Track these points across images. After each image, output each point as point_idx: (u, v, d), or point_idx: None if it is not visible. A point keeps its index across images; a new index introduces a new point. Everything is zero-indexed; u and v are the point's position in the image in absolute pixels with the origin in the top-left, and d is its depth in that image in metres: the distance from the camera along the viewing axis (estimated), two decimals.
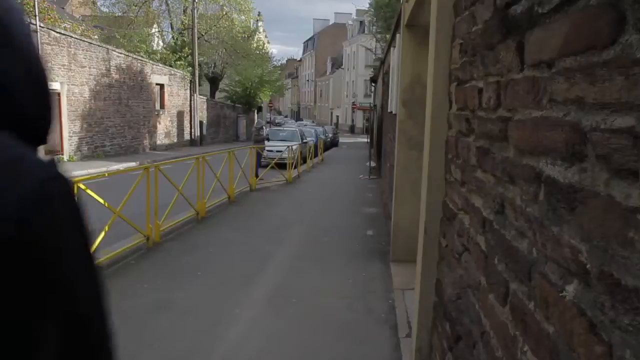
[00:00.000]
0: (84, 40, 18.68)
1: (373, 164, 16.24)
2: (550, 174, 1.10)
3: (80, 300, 0.70)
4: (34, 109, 0.77)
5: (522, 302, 1.27)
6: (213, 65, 36.30)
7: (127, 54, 22.00)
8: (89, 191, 5.27)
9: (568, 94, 1.01)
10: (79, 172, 14.04)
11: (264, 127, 16.88)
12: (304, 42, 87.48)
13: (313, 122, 54.00)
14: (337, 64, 67.38)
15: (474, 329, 1.78)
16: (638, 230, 0.74)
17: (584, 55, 0.94)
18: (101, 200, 5.47)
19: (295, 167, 15.04)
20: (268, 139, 17.88)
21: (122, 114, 21.23)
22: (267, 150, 15.82)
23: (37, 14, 15.46)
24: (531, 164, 1.23)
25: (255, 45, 39.02)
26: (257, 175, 13.09)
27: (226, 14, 33.31)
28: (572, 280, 0.98)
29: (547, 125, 1.12)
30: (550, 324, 1.07)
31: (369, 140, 22.14)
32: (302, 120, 59.34)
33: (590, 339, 0.87)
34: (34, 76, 0.78)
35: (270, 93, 43.24)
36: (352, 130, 56.96)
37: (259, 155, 13.82)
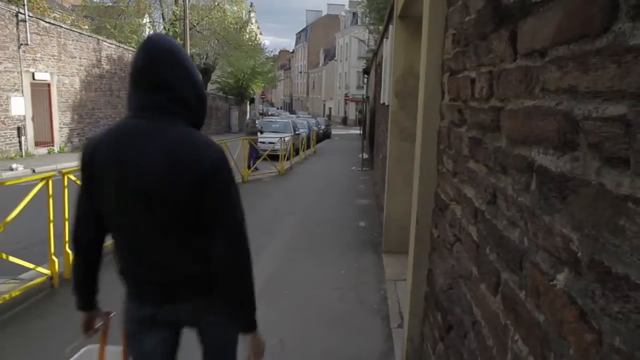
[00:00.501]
0: (74, 31, 18.49)
1: (365, 155, 16.24)
2: (542, 163, 1.10)
3: (234, 192, 1.66)
4: (199, 114, 1.74)
5: (513, 291, 1.27)
6: (205, 56, 36.07)
7: (118, 44, 21.81)
8: (79, 183, 5.22)
9: (560, 83, 1.01)
10: (69, 163, 13.95)
11: (257, 119, 16.80)
12: (297, 34, 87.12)
13: (309, 114, 53.14)
14: (329, 55, 67.17)
15: (465, 319, 1.79)
16: (629, 218, 0.74)
17: (577, 43, 0.94)
18: None
19: (287, 159, 15.02)
20: (262, 132, 17.83)
21: (114, 105, 21.07)
22: (260, 142, 15.77)
23: (25, 3, 15.25)
24: (523, 154, 1.23)
25: (247, 36, 38.80)
26: (249, 167, 13.08)
27: (218, 4, 33.07)
28: (563, 269, 0.98)
29: (540, 114, 1.12)
30: (541, 312, 1.08)
31: (361, 132, 22.13)
32: (295, 113, 59.08)
33: (581, 327, 0.88)
34: (200, 96, 1.73)
35: (263, 85, 43.09)
36: (344, 122, 56.89)
37: (252, 148, 13.80)
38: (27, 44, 15.47)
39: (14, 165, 13.27)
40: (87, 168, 1.71)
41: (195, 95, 1.69)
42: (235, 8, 35.24)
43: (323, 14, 76.31)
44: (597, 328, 0.82)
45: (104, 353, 2.14)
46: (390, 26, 6.23)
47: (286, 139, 15.65)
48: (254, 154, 13.80)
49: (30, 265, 4.51)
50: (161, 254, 1.69)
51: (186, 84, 1.67)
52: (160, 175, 1.56)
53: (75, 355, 2.29)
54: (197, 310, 1.82)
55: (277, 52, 78.21)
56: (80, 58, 18.55)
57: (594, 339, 0.83)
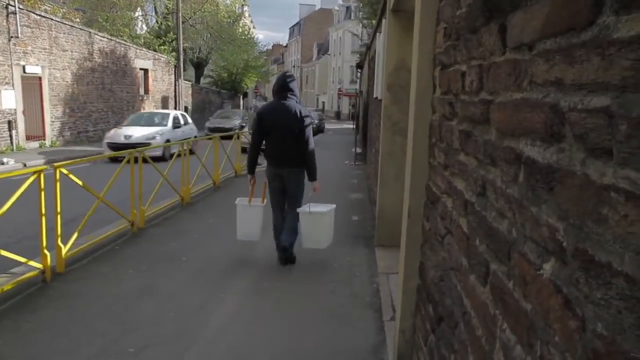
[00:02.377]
0: (65, 24, 18.36)
1: (359, 150, 16.25)
2: (530, 154, 1.11)
3: (310, 127, 5.27)
4: (298, 97, 5.39)
5: (501, 281, 1.29)
6: (198, 50, 35.93)
7: (110, 37, 21.68)
8: (71, 176, 5.21)
9: (548, 75, 1.03)
10: (60, 156, 13.86)
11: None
12: (290, 28, 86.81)
13: (315, 108, 49.72)
14: (323, 49, 67.05)
15: (455, 310, 1.81)
16: (611, 207, 0.76)
17: (563, 36, 0.95)
18: (84, 186, 5.42)
19: None
20: None
21: (106, 98, 20.96)
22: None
23: None
24: (512, 146, 1.24)
25: (240, 30, 38.66)
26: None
27: None
28: (549, 258, 1.00)
29: (527, 106, 1.14)
30: (528, 302, 1.10)
31: (354, 127, 22.13)
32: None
33: (565, 315, 0.90)
34: (297, 90, 5.49)
35: (256, 79, 42.98)
36: (338, 116, 56.82)
37: None
38: (17, 37, 15.35)
39: (4, 159, 13.19)
40: (260, 120, 5.23)
41: (297, 91, 5.37)
42: (228, 1, 35.09)
43: (316, 8, 76.07)
44: (581, 315, 0.84)
45: (251, 197, 5.46)
46: (383, 20, 6.23)
47: None
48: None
49: (22, 259, 4.50)
50: (285, 148, 5.11)
51: (294, 86, 5.33)
52: (289, 120, 5.05)
53: (236, 201, 5.60)
54: (292, 171, 5.19)
55: (270, 47, 77.84)
56: (71, 51, 18.42)
57: (578, 326, 0.85)
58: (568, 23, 0.93)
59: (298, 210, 5.28)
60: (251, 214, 5.50)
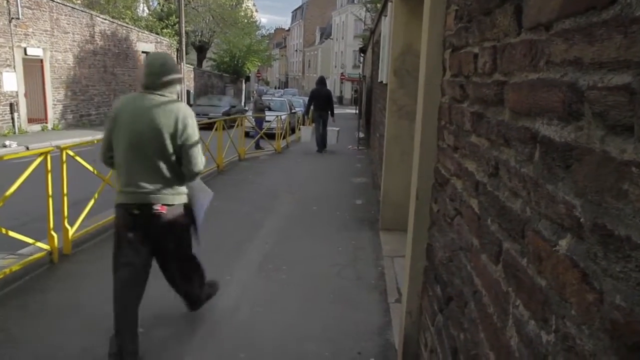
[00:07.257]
0: (66, 5, 18.23)
1: (362, 134, 16.24)
2: (546, 134, 1.13)
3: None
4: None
5: (515, 259, 1.31)
6: (200, 33, 35.71)
7: (111, 20, 21.54)
8: (77, 158, 5.23)
9: (566, 55, 1.04)
10: (64, 140, 13.87)
11: (263, 95, 17.21)
12: (293, 12, 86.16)
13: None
14: (325, 34, 66.59)
15: (465, 290, 1.83)
16: (632, 183, 0.78)
17: (583, 15, 0.96)
18: (90, 168, 5.44)
19: (284, 138, 15.02)
20: (270, 108, 17.88)
21: (108, 81, 20.91)
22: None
23: None
24: (527, 126, 1.26)
25: (243, 13, 38.37)
26: (258, 145, 13.85)
27: None
28: (565, 235, 1.02)
29: (544, 86, 1.15)
30: (543, 277, 1.12)
31: (357, 111, 22.08)
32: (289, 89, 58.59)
33: (583, 288, 0.92)
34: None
35: (259, 63, 42.74)
36: (340, 101, 56.60)
37: (259, 123, 14.13)
38: (18, 18, 15.26)
39: (7, 142, 13.20)
40: (312, 95, 13.71)
41: (327, 82, 13.84)
42: None
43: None
44: (599, 288, 0.86)
45: (308, 125, 15.84)
46: (390, 4, 6.19)
47: (282, 117, 15.61)
48: (261, 125, 14.19)
49: (30, 240, 4.54)
50: (323, 107, 13.29)
51: (325, 81, 14.43)
52: (324, 95, 13.55)
53: (300, 127, 16.87)
54: (325, 114, 13.53)
55: (272, 30, 77.28)
56: (73, 33, 18.33)
57: (596, 299, 0.87)
58: (588, 2, 0.94)
59: (327, 129, 13.28)
60: (307, 131, 14.48)
